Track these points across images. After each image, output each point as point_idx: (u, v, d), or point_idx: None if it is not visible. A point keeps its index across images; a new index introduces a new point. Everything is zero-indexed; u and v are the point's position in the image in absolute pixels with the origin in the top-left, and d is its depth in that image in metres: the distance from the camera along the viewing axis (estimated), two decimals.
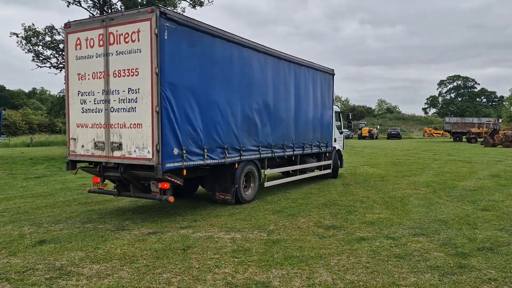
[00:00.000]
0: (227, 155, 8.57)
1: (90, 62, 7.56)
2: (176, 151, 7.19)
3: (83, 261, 5.32)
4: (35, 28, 23.64)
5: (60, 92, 24.52)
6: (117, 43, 7.24)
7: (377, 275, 4.83)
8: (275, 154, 10.34)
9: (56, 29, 24.17)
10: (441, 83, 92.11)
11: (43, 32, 23.81)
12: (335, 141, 14.13)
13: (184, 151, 7.35)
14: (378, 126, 66.86)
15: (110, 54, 7.33)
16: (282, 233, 6.71)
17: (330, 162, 13.58)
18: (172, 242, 6.13)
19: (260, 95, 9.73)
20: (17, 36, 23.55)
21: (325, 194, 10.46)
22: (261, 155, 9.80)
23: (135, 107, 7.10)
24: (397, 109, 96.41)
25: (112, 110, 7.36)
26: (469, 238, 6.35)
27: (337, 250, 5.75)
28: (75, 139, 7.95)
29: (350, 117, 17.21)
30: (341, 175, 14.54)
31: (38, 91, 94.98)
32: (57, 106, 23.59)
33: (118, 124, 7.30)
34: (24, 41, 23.59)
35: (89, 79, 7.63)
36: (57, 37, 24.23)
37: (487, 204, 9.00)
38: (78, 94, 7.83)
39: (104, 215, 8.11)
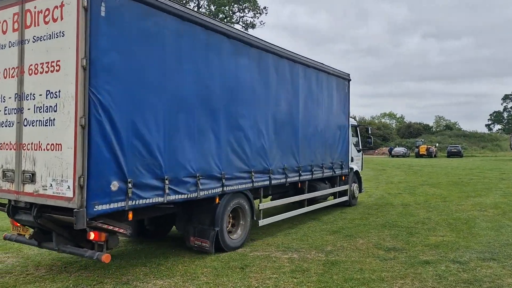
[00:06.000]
0: (200, 186, 6.08)
1: (2, 54, 5.42)
2: (115, 185, 4.86)
3: (147, 276, 5.55)
4: None
5: None
6: (34, 25, 5.06)
7: None
8: (274, 181, 7.86)
9: None
10: (506, 98, 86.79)
11: None
12: (352, 160, 11.66)
13: (129, 184, 5.02)
14: (437, 144, 63.89)
15: (26, 41, 5.15)
16: (341, 254, 6.58)
17: (347, 187, 11.12)
18: (230, 261, 6.22)
19: (248, 96, 7.22)
20: None
21: (383, 215, 10.13)
22: (254, 184, 7.30)
23: (53, 119, 4.84)
24: (457, 126, 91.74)
25: (25, 124, 5.13)
26: None
27: (400, 274, 5.54)
28: None
29: (370, 131, 14.01)
30: (398, 195, 13.97)
31: None
32: None
33: (32, 144, 5.03)
34: None
35: (0, 78, 5.46)
36: None
37: None
38: None
39: None
